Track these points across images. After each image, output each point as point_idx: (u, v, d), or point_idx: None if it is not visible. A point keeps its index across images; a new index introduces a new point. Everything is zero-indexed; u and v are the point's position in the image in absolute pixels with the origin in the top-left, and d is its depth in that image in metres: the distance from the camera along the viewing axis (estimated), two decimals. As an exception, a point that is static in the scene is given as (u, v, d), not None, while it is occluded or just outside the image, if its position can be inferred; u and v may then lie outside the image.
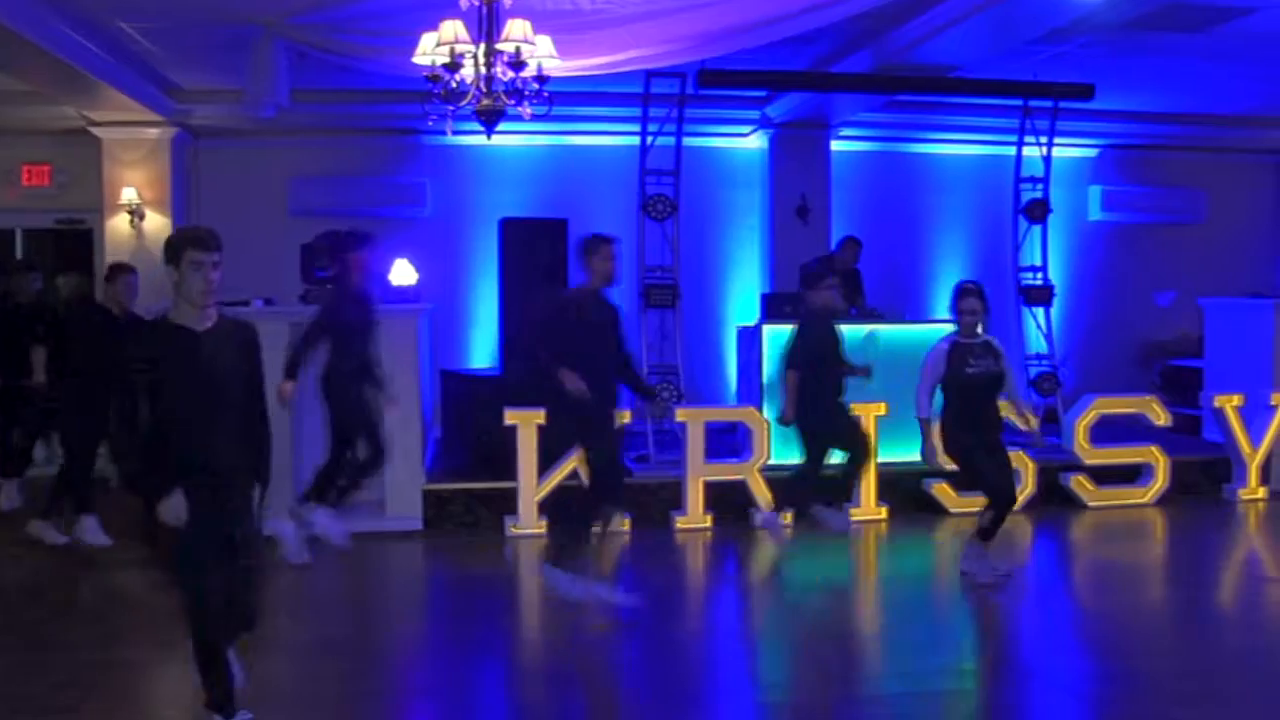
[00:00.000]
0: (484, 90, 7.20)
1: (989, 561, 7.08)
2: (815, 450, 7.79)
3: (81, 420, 7.83)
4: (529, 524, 8.52)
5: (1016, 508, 9.12)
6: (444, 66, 7.05)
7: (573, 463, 8.38)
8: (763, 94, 11.58)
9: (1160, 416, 9.56)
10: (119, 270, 8.23)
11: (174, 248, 4.21)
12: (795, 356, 7.66)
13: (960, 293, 7.16)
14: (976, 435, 6.93)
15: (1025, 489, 9.26)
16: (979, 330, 7.07)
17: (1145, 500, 9.48)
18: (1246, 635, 6.16)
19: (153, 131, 11.12)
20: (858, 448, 7.95)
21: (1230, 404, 9.68)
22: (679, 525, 8.76)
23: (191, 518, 4.14)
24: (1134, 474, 9.64)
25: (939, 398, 7.05)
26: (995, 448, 7.02)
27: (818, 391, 7.64)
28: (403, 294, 9.50)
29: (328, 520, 7.38)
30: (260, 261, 9.95)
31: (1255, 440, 9.67)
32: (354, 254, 7.60)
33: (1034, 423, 7.44)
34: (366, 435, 7.48)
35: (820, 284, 7.84)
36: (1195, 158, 13.63)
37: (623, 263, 11.25)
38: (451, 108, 7.31)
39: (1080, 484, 9.42)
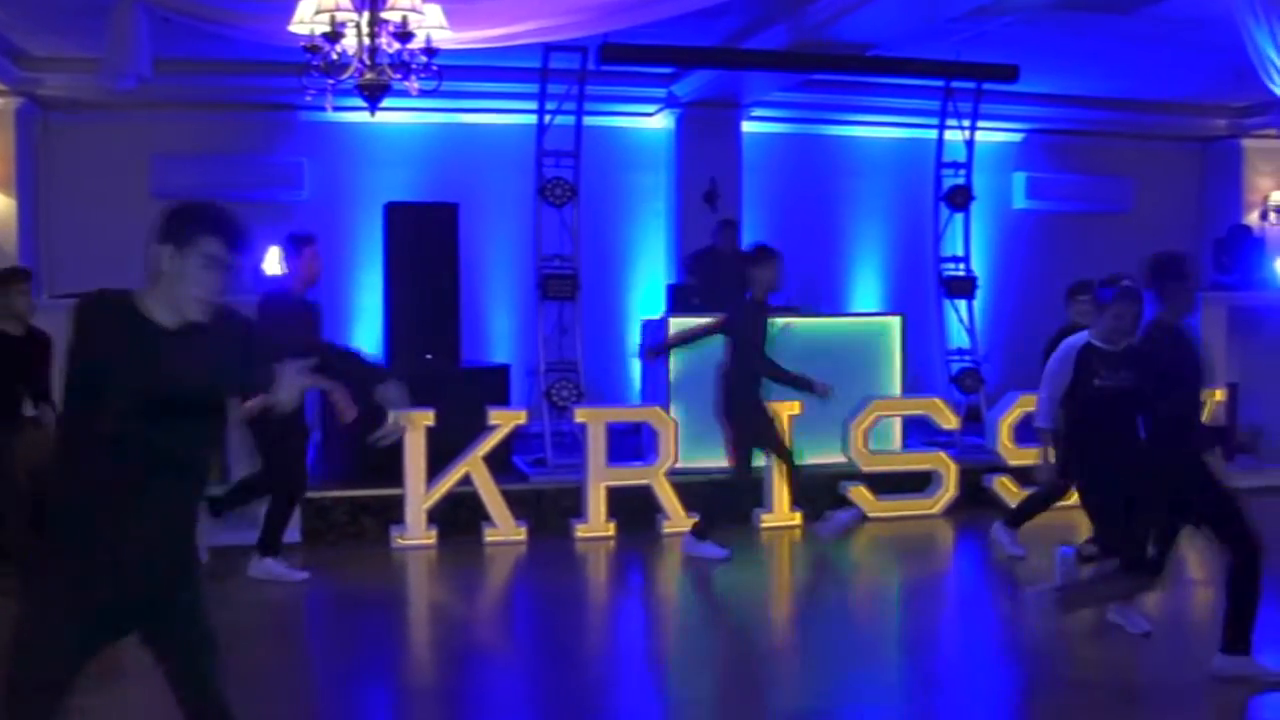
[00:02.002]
0: (367, 63, 7.14)
1: (1135, 609, 6.37)
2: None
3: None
4: (417, 534, 8.47)
5: (936, 511, 9.41)
6: (323, 36, 6.98)
7: (464, 467, 8.39)
8: (669, 71, 11.62)
9: (1086, 415, 9.80)
10: (307, 241, 7.64)
11: (185, 228, 3.27)
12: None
13: (1119, 294, 5.91)
14: (1109, 466, 5.94)
15: (946, 492, 9.48)
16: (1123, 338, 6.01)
17: (1071, 502, 9.69)
18: (1170, 641, 6.35)
19: (-5, 102, 10.83)
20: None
21: (1157, 401, 9.96)
22: (580, 534, 8.78)
23: (70, 615, 3.13)
24: (1059, 475, 9.86)
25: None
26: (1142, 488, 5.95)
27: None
28: (277, 284, 9.37)
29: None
30: (119, 247, 9.61)
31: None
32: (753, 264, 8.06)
33: None
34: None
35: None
36: (1121, 144, 14.02)
37: (518, 251, 11.39)
38: (332, 81, 7.24)
39: (1004, 486, 9.61)
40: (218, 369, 3.27)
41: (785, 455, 8.24)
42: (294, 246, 7.65)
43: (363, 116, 8.68)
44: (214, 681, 3.42)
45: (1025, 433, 9.71)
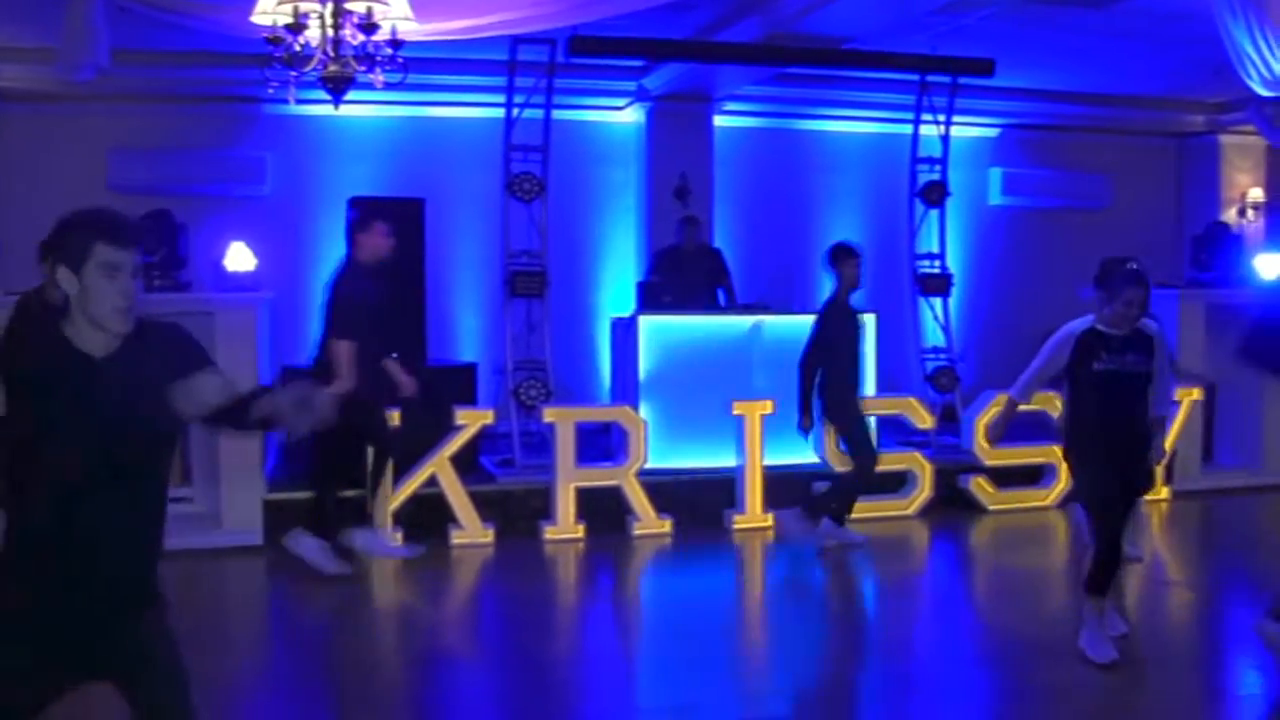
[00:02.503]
0: (331, 55, 7.11)
1: (1099, 630, 6.00)
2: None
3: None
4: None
5: (911, 512, 9.45)
6: (286, 27, 6.94)
7: (430, 468, 8.37)
8: (640, 64, 11.62)
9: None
10: (375, 218, 7.87)
11: (74, 240, 3.05)
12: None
13: (1125, 278, 5.94)
14: (1109, 451, 5.95)
15: (921, 493, 9.51)
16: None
17: (1048, 502, 9.77)
18: (1150, 642, 6.40)
19: (-54, 94, 10.73)
20: None
21: (1133, 400, 10.03)
22: (548, 536, 8.77)
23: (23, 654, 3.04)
24: (1036, 475, 9.93)
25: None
26: (1130, 480, 6.07)
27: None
28: (240, 281, 9.33)
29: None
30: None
31: (1159, 439, 10.04)
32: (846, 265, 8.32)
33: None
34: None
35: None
36: (1098, 140, 14.11)
37: (486, 248, 11.38)
38: (295, 74, 7.21)
39: (980, 486, 9.67)
40: (159, 387, 2.96)
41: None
42: (363, 222, 7.81)
43: (326, 110, 8.66)
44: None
45: (1001, 432, 9.78)
